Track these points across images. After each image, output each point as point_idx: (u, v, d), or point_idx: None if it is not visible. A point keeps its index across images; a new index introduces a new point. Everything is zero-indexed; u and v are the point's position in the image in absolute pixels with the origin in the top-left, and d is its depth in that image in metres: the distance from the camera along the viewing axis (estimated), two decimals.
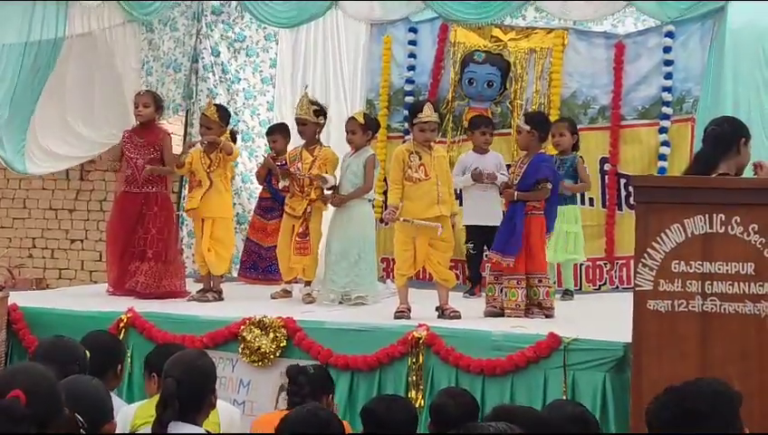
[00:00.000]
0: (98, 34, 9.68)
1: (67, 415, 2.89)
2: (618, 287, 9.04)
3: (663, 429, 3.12)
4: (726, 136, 5.48)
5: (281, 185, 8.48)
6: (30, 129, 9.49)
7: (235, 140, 8.91)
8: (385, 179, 9.09)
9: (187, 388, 3.79)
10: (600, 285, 9.19)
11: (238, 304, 7.75)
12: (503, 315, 7.22)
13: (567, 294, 8.48)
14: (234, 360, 6.94)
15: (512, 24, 9.54)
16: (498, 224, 7.65)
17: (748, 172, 5.77)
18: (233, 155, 8.25)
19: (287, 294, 8.35)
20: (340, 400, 6.26)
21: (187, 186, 8.90)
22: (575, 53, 9.45)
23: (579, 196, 8.74)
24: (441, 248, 7.31)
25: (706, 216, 4.97)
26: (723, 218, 4.95)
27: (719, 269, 4.95)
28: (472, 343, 6.47)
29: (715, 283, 4.95)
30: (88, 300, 8.04)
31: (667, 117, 9.08)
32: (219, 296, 8.16)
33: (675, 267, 4.99)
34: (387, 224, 7.80)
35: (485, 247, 8.15)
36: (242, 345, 6.90)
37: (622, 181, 9.16)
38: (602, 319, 7.10)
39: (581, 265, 9.00)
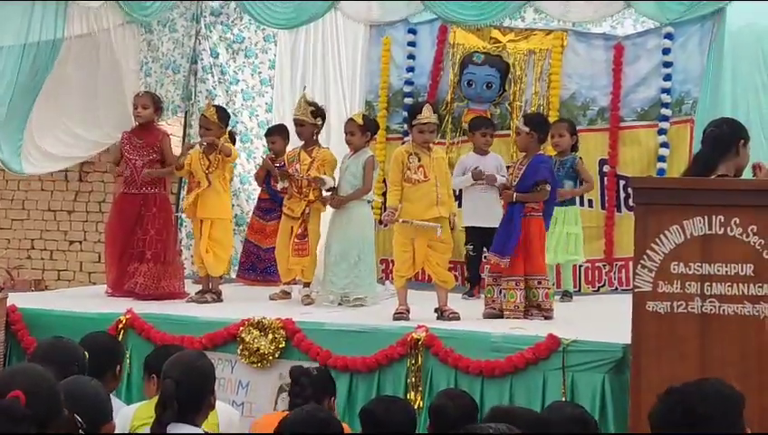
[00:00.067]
0: (97, 35, 9.67)
1: (66, 416, 2.89)
2: (617, 289, 9.04)
3: (668, 430, 3.12)
4: (725, 137, 5.48)
5: (279, 186, 8.48)
6: (27, 129, 9.48)
7: (233, 142, 8.92)
8: (384, 181, 9.09)
9: (186, 389, 3.79)
10: (599, 287, 9.19)
11: (237, 306, 7.75)
12: (502, 317, 7.23)
13: (566, 295, 8.48)
14: (233, 361, 6.94)
15: (511, 25, 9.53)
16: (498, 225, 7.65)
17: (747, 173, 5.77)
18: (232, 156, 8.25)
19: (286, 295, 8.35)
20: (338, 401, 6.24)
21: (186, 187, 8.90)
22: (574, 54, 9.45)
23: (579, 196, 8.74)
24: (440, 250, 7.31)
25: (706, 217, 4.97)
26: (722, 220, 4.95)
27: (718, 270, 4.96)
28: (471, 344, 6.47)
29: (714, 284, 4.96)
30: (87, 301, 8.04)
31: (666, 118, 9.08)
32: (218, 298, 8.16)
33: (674, 269, 4.99)
34: (386, 225, 7.80)
35: (485, 249, 8.14)
36: (241, 346, 6.90)
37: (621, 183, 9.15)
38: (601, 320, 7.11)
39: (581, 266, 9.00)
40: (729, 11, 8.85)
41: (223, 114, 8.43)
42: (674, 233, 5.00)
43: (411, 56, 9.80)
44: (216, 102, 9.38)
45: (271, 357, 6.83)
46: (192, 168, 8.17)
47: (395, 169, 7.38)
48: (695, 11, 8.78)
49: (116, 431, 3.44)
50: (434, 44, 9.75)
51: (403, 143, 8.50)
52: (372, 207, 8.45)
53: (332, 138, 9.18)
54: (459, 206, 8.46)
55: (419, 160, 7.30)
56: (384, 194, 8.74)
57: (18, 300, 7.67)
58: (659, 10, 8.79)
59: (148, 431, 3.88)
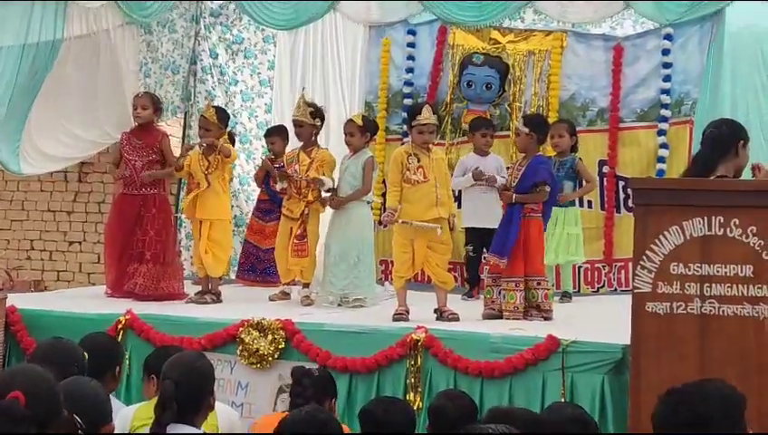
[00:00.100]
0: (96, 36, 9.67)
1: (66, 416, 2.89)
2: (616, 290, 9.04)
3: (670, 431, 3.12)
4: (724, 138, 5.48)
5: (278, 187, 8.48)
6: (26, 129, 9.48)
7: (233, 142, 8.92)
8: (384, 182, 9.08)
9: (186, 390, 3.79)
10: (598, 288, 9.19)
11: (236, 306, 7.75)
12: (501, 318, 7.23)
13: (565, 296, 8.49)
14: (232, 362, 6.94)
15: (510, 26, 9.53)
16: (497, 226, 7.64)
17: (747, 174, 5.77)
18: (231, 157, 8.25)
19: (285, 296, 8.35)
20: (338, 402, 6.24)
21: (185, 188, 8.90)
22: (574, 55, 9.45)
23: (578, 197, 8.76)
24: (439, 251, 7.31)
25: (705, 218, 4.97)
26: (721, 221, 4.95)
27: (718, 271, 4.95)
28: (470, 345, 6.47)
29: (713, 285, 4.95)
30: (86, 302, 8.04)
31: (665, 119, 9.09)
32: (217, 298, 8.16)
33: (673, 269, 4.99)
34: (385, 226, 7.81)
35: (485, 250, 8.14)
36: (240, 347, 6.90)
37: (621, 184, 9.16)
38: (601, 321, 7.10)
39: (580, 267, 9.00)
40: (728, 12, 8.86)
41: (222, 115, 8.43)
42: (673, 234, 5.00)
43: (411, 57, 9.80)
44: (215, 103, 9.38)
45: (270, 358, 6.83)
46: (191, 169, 8.18)
47: (394, 169, 7.38)
48: (694, 12, 8.79)
49: (116, 432, 3.44)
50: (433, 45, 9.76)
51: (402, 144, 8.51)
52: (372, 208, 8.45)
53: (332, 139, 9.18)
54: (459, 207, 8.46)
55: (419, 161, 7.30)
56: (384, 195, 8.74)
57: (18, 301, 7.67)
58: (659, 11, 8.80)
59: (147, 432, 3.88)
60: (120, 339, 6.92)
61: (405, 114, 8.60)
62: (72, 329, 5.97)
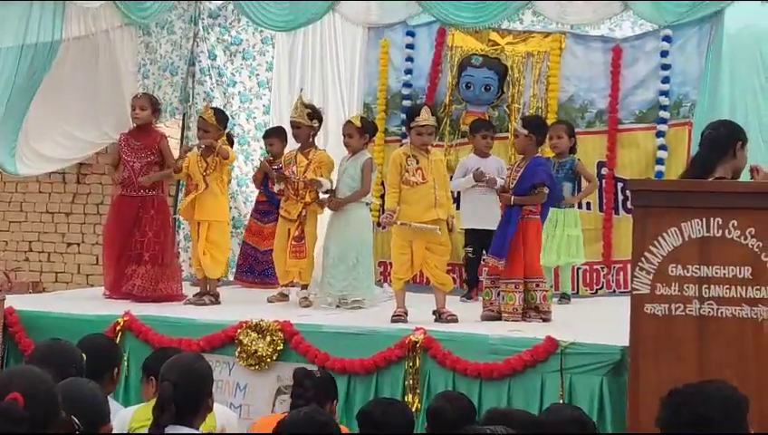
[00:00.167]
0: (95, 37, 9.66)
1: (64, 418, 2.88)
2: (615, 291, 9.04)
3: (673, 432, 3.13)
4: (723, 139, 5.48)
5: (276, 188, 8.48)
6: (22, 130, 9.47)
7: (231, 144, 8.92)
8: (382, 183, 9.08)
9: (184, 391, 3.78)
10: (597, 289, 9.19)
11: (235, 308, 7.74)
12: (500, 319, 7.23)
13: (564, 297, 8.48)
14: (230, 363, 6.94)
15: (509, 27, 9.53)
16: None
17: (745, 176, 5.78)
18: (229, 159, 8.25)
19: (284, 297, 8.34)
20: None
21: (183, 189, 8.89)
22: (572, 56, 9.46)
23: None
24: (438, 252, 7.31)
25: (703, 219, 4.97)
26: (720, 222, 4.95)
27: (716, 273, 4.95)
28: (469, 346, 6.47)
29: (712, 286, 4.95)
30: (84, 303, 8.03)
31: (664, 121, 9.09)
32: (216, 300, 8.16)
33: (672, 271, 4.99)
34: (384, 228, 7.80)
35: (484, 251, 8.14)
36: (239, 349, 6.89)
37: (619, 185, 9.16)
38: (599, 323, 7.10)
39: (579, 268, 9.00)
40: (727, 13, 8.87)
41: (221, 116, 8.43)
42: (672, 235, 5.00)
43: (409, 58, 9.80)
44: (213, 104, 9.37)
45: (269, 359, 6.83)
46: (190, 170, 8.18)
47: (393, 171, 7.38)
48: (693, 13, 8.79)
49: (114, 433, 3.44)
50: (432, 47, 9.76)
51: (401, 145, 8.51)
52: (371, 210, 8.45)
53: (331, 140, 9.18)
54: (458, 208, 8.47)
55: (417, 163, 7.30)
56: (382, 196, 8.73)
57: (16, 302, 7.67)
58: (658, 12, 8.80)
59: (146, 433, 3.88)
60: (118, 340, 6.91)
61: (403, 116, 8.60)
62: (71, 330, 5.97)
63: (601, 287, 9.19)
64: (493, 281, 7.41)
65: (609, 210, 9.20)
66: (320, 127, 8.31)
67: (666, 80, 9.10)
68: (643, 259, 5.03)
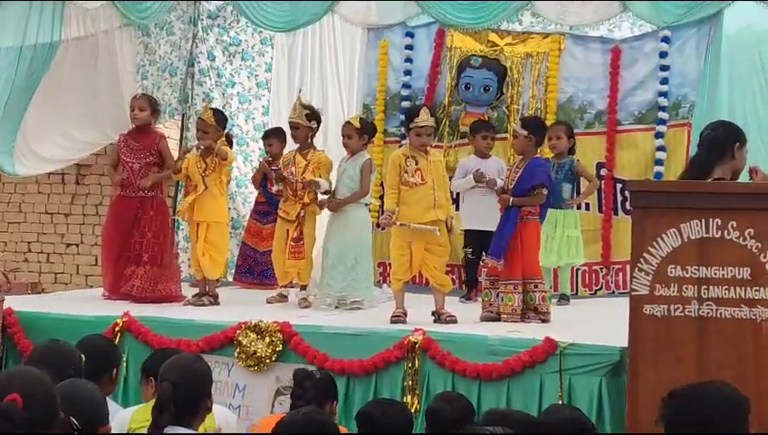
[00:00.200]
0: (94, 38, 9.66)
1: (63, 419, 2.88)
2: (614, 292, 9.04)
3: (674, 433, 3.13)
4: (721, 141, 5.47)
5: (274, 189, 8.48)
6: (21, 130, 9.46)
7: (231, 145, 8.91)
8: (382, 184, 9.08)
9: (183, 392, 3.78)
10: (596, 290, 9.20)
11: (234, 309, 7.74)
12: (499, 320, 7.23)
13: (563, 298, 8.48)
14: (229, 364, 6.93)
15: (508, 28, 9.54)
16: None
17: (744, 177, 5.78)
18: (228, 160, 8.24)
19: (283, 298, 8.34)
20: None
21: (182, 190, 8.89)
22: (571, 57, 9.46)
23: None
24: (437, 253, 7.31)
25: (702, 220, 4.97)
26: (719, 223, 4.95)
27: (715, 274, 4.96)
28: (468, 347, 6.47)
29: (711, 287, 4.96)
30: (83, 304, 8.03)
31: (663, 122, 9.10)
32: (215, 301, 8.15)
33: (671, 272, 4.99)
34: (383, 229, 7.79)
35: (484, 253, 8.14)
36: (238, 350, 6.89)
37: (618, 186, 9.16)
38: (598, 323, 7.10)
39: (578, 269, 9.00)
40: (726, 14, 8.87)
41: (220, 117, 8.43)
42: (671, 236, 5.00)
43: (409, 59, 9.80)
44: (212, 105, 9.38)
45: (268, 360, 6.83)
46: (189, 171, 8.18)
47: (392, 172, 7.38)
48: (692, 14, 8.79)
49: (114, 434, 3.44)
50: (431, 48, 9.76)
51: (400, 146, 8.51)
52: (370, 211, 8.44)
53: (330, 141, 9.18)
54: (458, 209, 8.47)
55: (417, 163, 7.30)
56: (381, 197, 8.73)
57: (15, 303, 7.66)
58: (656, 13, 8.80)
59: (145, 434, 3.88)
60: (117, 341, 6.91)
61: (403, 116, 8.61)
62: (70, 331, 5.96)
63: (600, 288, 9.19)
64: (492, 282, 7.41)
65: (609, 211, 9.20)
66: (318, 128, 8.31)
67: (665, 81, 9.11)
68: (642, 260, 5.03)
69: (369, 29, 9.97)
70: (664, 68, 9.11)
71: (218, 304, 8.13)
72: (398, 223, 7.26)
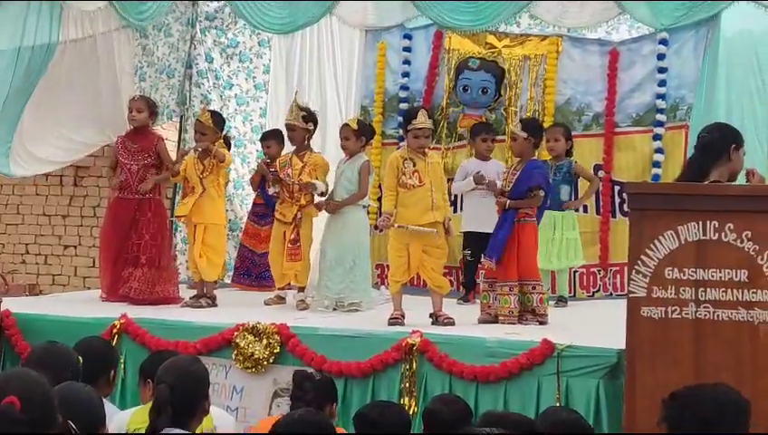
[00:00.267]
0: (92, 40, 9.66)
1: (61, 422, 2.88)
2: (611, 294, 9.04)
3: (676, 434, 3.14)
4: (716, 143, 5.48)
5: (271, 191, 8.47)
6: (17, 131, 9.46)
7: (229, 146, 8.91)
8: (380, 186, 9.09)
9: (181, 394, 3.78)
10: (593, 292, 9.20)
11: (232, 311, 7.74)
12: (496, 322, 7.23)
13: (561, 300, 8.49)
14: (227, 366, 6.93)
15: (506, 30, 9.54)
16: None
17: (742, 179, 5.78)
18: (226, 162, 8.24)
19: (281, 300, 8.34)
20: None
21: (180, 192, 8.88)
22: (569, 59, 9.47)
23: None
24: (435, 255, 7.31)
25: (700, 223, 4.97)
26: (716, 225, 4.95)
27: (712, 276, 4.95)
28: (465, 349, 6.47)
29: (708, 289, 4.96)
30: (81, 306, 8.02)
31: (660, 124, 9.11)
32: (213, 302, 8.15)
33: (668, 274, 4.99)
34: (381, 231, 7.79)
35: (482, 255, 8.13)
36: (235, 352, 6.89)
37: (616, 188, 9.17)
38: (596, 326, 7.10)
39: (576, 271, 9.01)
40: (723, 17, 8.88)
41: (218, 119, 8.44)
42: (668, 238, 5.00)
43: (407, 61, 9.81)
44: (210, 107, 9.38)
45: (265, 362, 6.83)
46: (187, 173, 8.18)
47: (390, 174, 7.38)
48: (689, 17, 8.80)
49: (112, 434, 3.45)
50: (429, 50, 9.76)
51: (398, 148, 8.51)
52: (368, 212, 8.45)
53: (328, 143, 9.18)
54: (460, 211, 8.48)
55: (414, 165, 7.30)
56: (380, 199, 8.73)
57: (12, 305, 7.66)
58: (654, 16, 8.80)
59: None
60: (114, 343, 6.91)
61: (401, 118, 8.61)
62: (67, 333, 5.95)
63: (598, 290, 9.20)
64: (490, 284, 7.41)
65: (606, 213, 9.21)
66: (315, 130, 8.31)
67: (662, 83, 9.12)
68: (639, 262, 5.03)
69: (366, 31, 9.97)
70: (661, 70, 9.12)
71: (216, 305, 8.13)
72: (395, 225, 7.26)
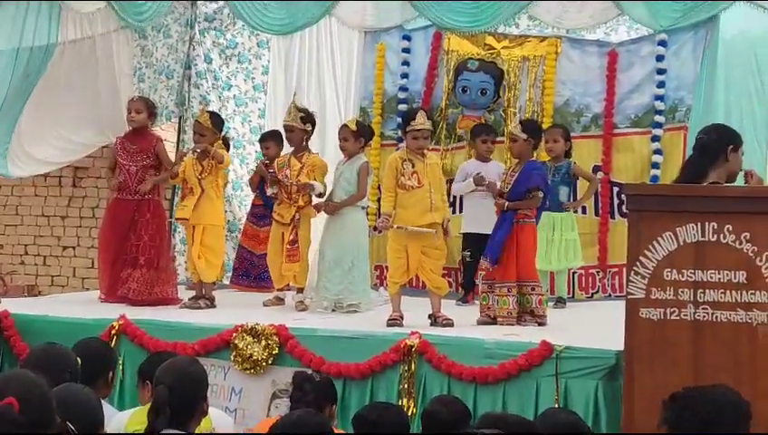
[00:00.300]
0: (91, 41, 9.66)
1: (59, 423, 2.88)
2: (610, 295, 9.04)
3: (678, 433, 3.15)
4: (713, 144, 5.48)
5: (269, 192, 8.47)
6: (15, 132, 9.46)
7: (228, 148, 8.91)
8: (379, 187, 9.09)
9: (179, 395, 3.78)
10: (592, 293, 9.20)
11: (230, 312, 7.73)
12: (495, 323, 7.22)
13: (560, 301, 8.49)
14: (226, 367, 6.92)
15: (505, 32, 9.54)
16: None
17: (741, 180, 5.78)
18: (224, 163, 8.24)
19: (280, 301, 8.34)
20: None
21: (179, 193, 8.88)
22: (568, 61, 9.47)
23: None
24: (434, 256, 7.31)
25: (699, 224, 4.97)
26: (715, 227, 4.96)
27: (711, 277, 4.96)
28: (464, 350, 6.46)
29: (707, 291, 4.96)
30: (80, 307, 8.02)
31: (659, 125, 9.11)
32: (211, 303, 8.15)
33: (667, 275, 5.00)
34: (380, 232, 7.79)
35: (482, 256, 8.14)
36: (234, 353, 6.89)
37: (615, 189, 9.17)
38: (595, 327, 7.10)
39: (574, 273, 9.01)
40: (722, 18, 8.87)
41: (217, 120, 8.44)
42: (667, 240, 5.01)
43: (406, 62, 9.81)
44: (209, 108, 9.38)
45: (264, 363, 6.82)
46: (186, 174, 8.18)
47: (389, 175, 7.38)
48: (688, 18, 8.80)
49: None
50: (428, 51, 9.76)
51: (397, 149, 8.51)
52: (367, 214, 8.45)
53: (328, 144, 9.18)
54: (460, 212, 8.48)
55: (413, 167, 7.30)
56: (379, 200, 8.74)
57: (11, 306, 7.66)
58: (653, 17, 8.80)
59: None
60: (113, 344, 6.90)
61: (399, 119, 8.62)
62: (66, 334, 5.95)
63: (597, 291, 9.20)
64: (489, 286, 7.41)
65: (605, 214, 9.21)
66: (313, 131, 8.31)
67: (661, 84, 9.12)
68: (638, 263, 5.04)
69: (365, 32, 9.97)
70: (660, 71, 9.12)
71: (215, 306, 8.13)
72: (394, 226, 7.26)
